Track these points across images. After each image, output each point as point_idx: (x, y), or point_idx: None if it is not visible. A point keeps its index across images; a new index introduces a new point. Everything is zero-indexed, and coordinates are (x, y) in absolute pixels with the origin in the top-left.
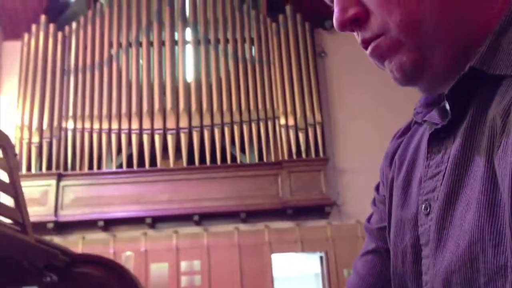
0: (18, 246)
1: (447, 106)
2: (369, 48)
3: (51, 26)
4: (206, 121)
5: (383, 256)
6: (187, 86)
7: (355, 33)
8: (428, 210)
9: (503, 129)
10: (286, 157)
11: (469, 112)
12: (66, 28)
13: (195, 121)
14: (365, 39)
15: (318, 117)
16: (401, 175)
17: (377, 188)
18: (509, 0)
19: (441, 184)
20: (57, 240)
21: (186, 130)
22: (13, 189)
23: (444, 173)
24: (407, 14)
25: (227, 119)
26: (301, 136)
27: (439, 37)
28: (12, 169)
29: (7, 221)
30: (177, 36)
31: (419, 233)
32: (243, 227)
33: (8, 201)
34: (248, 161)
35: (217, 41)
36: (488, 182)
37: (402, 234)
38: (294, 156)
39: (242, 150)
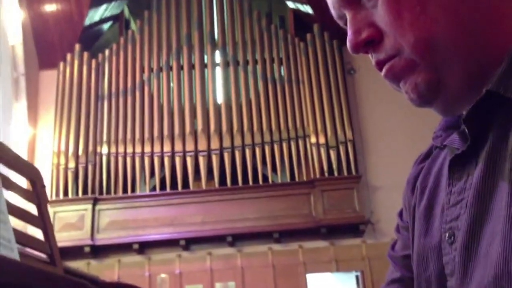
0: (47, 279)
1: (466, 130)
2: (384, 70)
3: (85, 54)
4: (237, 142)
5: (409, 286)
6: (217, 107)
7: (369, 55)
8: (452, 239)
9: None
10: (318, 176)
11: (489, 136)
12: (100, 56)
13: (226, 142)
14: (380, 61)
15: (349, 135)
16: (423, 202)
17: (400, 215)
18: None
19: (464, 212)
20: (93, 264)
21: (218, 152)
22: (42, 221)
23: (467, 201)
24: (421, 34)
25: (257, 139)
26: (332, 154)
27: (454, 57)
28: (41, 201)
29: (36, 253)
30: (206, 58)
31: (444, 263)
32: (276, 247)
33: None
34: (280, 180)
35: (246, 62)
36: None
37: (426, 262)
38: (326, 175)
39: (274, 169)
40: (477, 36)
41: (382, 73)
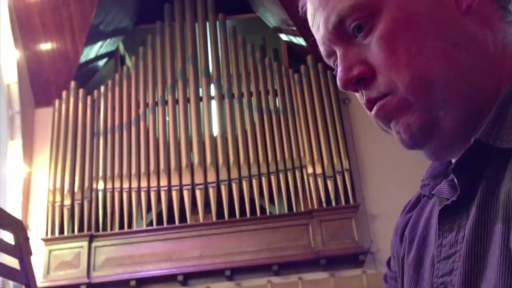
0: None
1: (456, 180)
2: (375, 108)
3: (81, 91)
4: (234, 174)
5: None
6: (213, 140)
7: (357, 94)
8: None
9: None
10: (316, 206)
11: (479, 186)
12: (95, 92)
13: (223, 175)
14: (371, 99)
15: (345, 164)
16: (412, 253)
17: (388, 264)
18: None
19: (458, 267)
20: None
21: (214, 184)
22: (25, 276)
23: (461, 255)
24: (417, 74)
25: (254, 171)
26: (329, 184)
27: (449, 100)
28: (23, 255)
29: None
30: (201, 92)
31: None
32: (276, 279)
33: None
34: (277, 212)
35: (241, 94)
36: (505, 266)
37: None
38: (324, 205)
39: (271, 201)
40: (472, 79)
41: (373, 111)
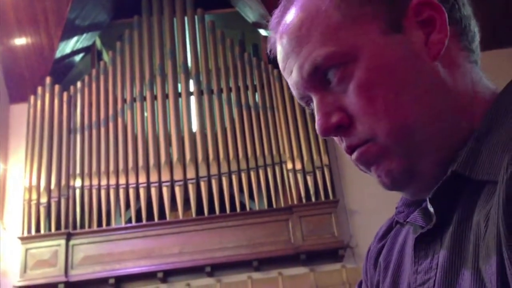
0: None
1: (431, 209)
2: (355, 154)
3: (56, 87)
4: (213, 170)
5: None
6: (192, 136)
7: (336, 138)
8: None
9: (485, 235)
10: (295, 202)
11: (454, 216)
12: (71, 88)
13: (202, 171)
14: (351, 145)
15: (325, 160)
16: (387, 280)
17: (359, 287)
18: (486, 108)
19: None
20: None
21: (194, 181)
22: None
23: (435, 280)
24: (396, 122)
25: (234, 167)
26: (309, 179)
27: (427, 144)
28: None
29: None
30: (180, 87)
31: None
32: (256, 275)
33: None
34: (257, 208)
35: (220, 90)
36: None
37: None
38: (304, 200)
39: (251, 197)
40: (448, 122)
41: (353, 157)
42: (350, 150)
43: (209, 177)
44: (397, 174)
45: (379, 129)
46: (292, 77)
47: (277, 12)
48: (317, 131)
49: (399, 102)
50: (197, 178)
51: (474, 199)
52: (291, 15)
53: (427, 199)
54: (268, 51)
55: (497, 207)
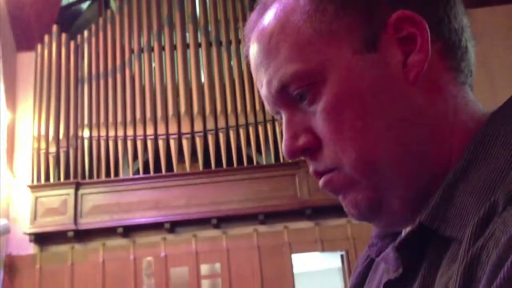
0: None
1: (398, 258)
2: (322, 181)
3: (63, 36)
4: (221, 123)
5: None
6: (200, 89)
7: (305, 158)
8: None
9: None
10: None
11: (421, 267)
12: (78, 37)
13: (210, 124)
14: (317, 172)
15: None
16: None
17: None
18: (468, 140)
19: None
20: (78, 248)
21: (201, 134)
22: None
23: None
24: (362, 153)
25: (242, 120)
26: None
27: (396, 180)
28: None
29: None
30: (188, 38)
31: None
32: (262, 228)
33: None
34: (264, 162)
35: (229, 42)
36: None
37: None
38: None
39: (258, 151)
40: (420, 157)
41: (320, 183)
42: (316, 175)
43: (216, 130)
44: (364, 207)
45: (345, 158)
46: (262, 91)
47: (255, 13)
48: (283, 153)
49: (367, 132)
50: (205, 131)
51: (440, 255)
52: (265, 20)
53: (394, 248)
54: (245, 58)
55: (455, 280)
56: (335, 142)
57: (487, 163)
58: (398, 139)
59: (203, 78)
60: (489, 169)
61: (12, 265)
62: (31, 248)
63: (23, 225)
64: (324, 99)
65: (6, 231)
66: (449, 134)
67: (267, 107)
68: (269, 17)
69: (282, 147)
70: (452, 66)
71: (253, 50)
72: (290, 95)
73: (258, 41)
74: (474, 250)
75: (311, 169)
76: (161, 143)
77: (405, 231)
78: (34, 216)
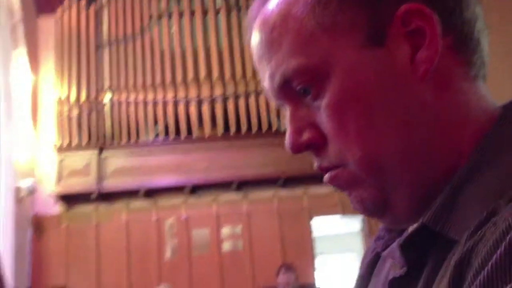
0: None
1: (402, 257)
2: (327, 177)
3: (83, 0)
4: (241, 88)
5: None
6: (220, 53)
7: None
8: None
9: None
10: None
11: (425, 268)
12: (98, 1)
13: (230, 89)
14: (322, 167)
15: None
16: None
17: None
18: (478, 139)
19: None
20: (101, 209)
21: (221, 98)
22: None
23: None
24: (367, 152)
25: (261, 85)
26: None
27: (402, 178)
28: None
29: None
30: (207, 3)
31: None
32: (282, 192)
33: None
34: (283, 127)
35: (247, 7)
36: None
37: None
38: None
39: (278, 116)
40: (427, 156)
41: (325, 178)
42: (321, 171)
43: (236, 95)
44: (369, 204)
45: (349, 156)
46: (265, 83)
47: (257, 0)
48: (287, 148)
49: (371, 130)
50: (224, 96)
51: (441, 257)
52: (268, 10)
53: (399, 246)
54: (248, 39)
55: (446, 283)
56: (339, 139)
57: (495, 165)
58: (405, 138)
59: (223, 43)
60: (496, 173)
61: (39, 224)
62: (57, 208)
63: (48, 185)
64: (328, 96)
65: (32, 191)
66: (459, 132)
67: (271, 100)
68: (271, 6)
69: (286, 142)
70: (463, 60)
71: (255, 40)
72: (293, 89)
73: (260, 32)
74: (464, 251)
75: (315, 164)
76: (181, 108)
77: (411, 227)
78: (59, 177)
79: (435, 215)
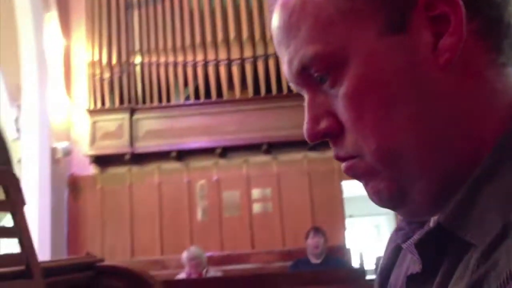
0: None
1: (417, 256)
2: (344, 166)
3: None
4: (271, 49)
5: None
6: (250, 13)
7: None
8: None
9: None
10: None
11: (441, 268)
12: None
13: (260, 50)
14: (338, 157)
15: None
16: None
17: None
18: (502, 133)
19: None
20: (134, 170)
21: (251, 60)
22: (18, 230)
23: None
24: (384, 143)
25: None
26: None
27: (419, 171)
28: (17, 209)
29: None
30: None
31: None
32: (312, 155)
33: None
34: None
35: None
36: None
37: None
38: None
39: None
40: (447, 149)
41: (342, 167)
42: (338, 159)
43: (266, 56)
44: (386, 196)
45: (366, 147)
46: (284, 68)
47: None
48: (305, 136)
49: (389, 120)
50: (254, 57)
51: (457, 259)
52: None
53: (414, 245)
54: (269, 22)
55: None
56: (356, 130)
57: None
58: (423, 130)
59: (253, 2)
60: None
61: (75, 184)
62: (92, 169)
63: (83, 147)
64: (345, 84)
65: (68, 152)
66: (481, 126)
67: (291, 84)
68: None
69: (304, 130)
70: (491, 47)
71: (275, 24)
72: (311, 76)
73: (279, 16)
74: (476, 277)
75: (333, 153)
76: (211, 69)
77: (433, 220)
78: (93, 139)
79: (452, 215)
